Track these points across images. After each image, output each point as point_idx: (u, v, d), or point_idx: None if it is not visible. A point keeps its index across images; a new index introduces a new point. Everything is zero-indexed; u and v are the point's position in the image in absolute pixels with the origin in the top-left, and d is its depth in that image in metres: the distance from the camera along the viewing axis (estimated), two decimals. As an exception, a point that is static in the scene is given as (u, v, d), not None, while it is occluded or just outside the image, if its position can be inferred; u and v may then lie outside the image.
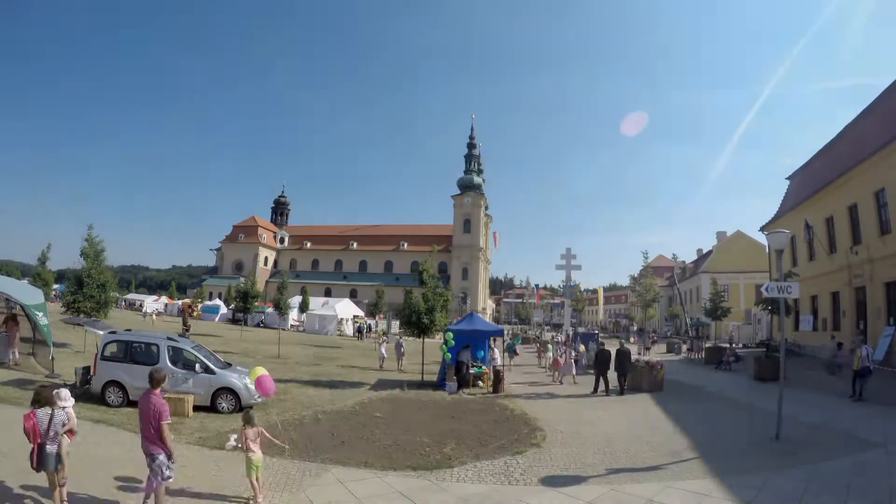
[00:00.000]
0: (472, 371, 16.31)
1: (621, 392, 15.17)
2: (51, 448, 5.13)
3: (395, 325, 34.82)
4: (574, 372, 18.00)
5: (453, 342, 15.79)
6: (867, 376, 13.30)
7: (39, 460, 5.10)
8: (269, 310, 41.29)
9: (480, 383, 16.38)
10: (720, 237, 57.57)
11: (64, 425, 5.29)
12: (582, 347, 21.74)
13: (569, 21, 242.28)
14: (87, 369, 11.17)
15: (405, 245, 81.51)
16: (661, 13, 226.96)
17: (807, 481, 6.91)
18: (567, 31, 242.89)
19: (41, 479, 6.10)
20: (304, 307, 43.24)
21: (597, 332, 32.92)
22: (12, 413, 9.13)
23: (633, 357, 17.43)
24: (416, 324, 16.64)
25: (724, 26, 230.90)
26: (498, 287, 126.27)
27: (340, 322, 44.58)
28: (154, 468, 5.10)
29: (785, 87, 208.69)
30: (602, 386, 15.38)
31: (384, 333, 33.67)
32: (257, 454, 6.01)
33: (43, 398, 5.36)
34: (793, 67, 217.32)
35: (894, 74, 22.83)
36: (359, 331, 43.43)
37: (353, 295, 72.51)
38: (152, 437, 5.12)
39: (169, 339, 11.28)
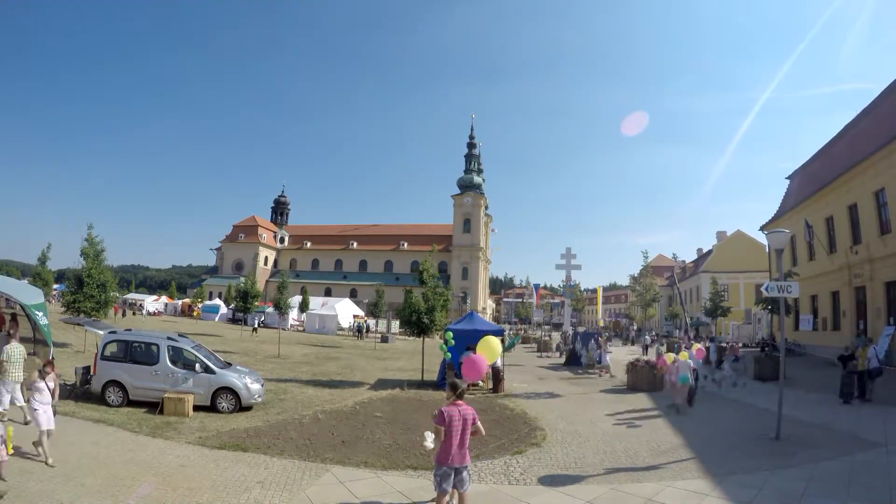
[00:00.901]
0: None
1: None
2: None
3: (395, 324, 34.82)
4: None
5: (453, 342, 15.78)
6: (877, 377, 13.23)
7: None
8: (269, 309, 41.30)
9: (480, 383, 16.36)
10: (720, 237, 57.56)
11: None
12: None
13: (572, 25, 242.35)
14: (87, 369, 11.17)
15: (405, 245, 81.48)
16: (664, 21, 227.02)
17: (807, 481, 6.90)
18: (570, 35, 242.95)
19: (41, 478, 6.13)
20: (304, 307, 43.24)
21: (596, 332, 32.75)
22: (12, 413, 9.15)
23: (634, 357, 17.41)
24: (417, 323, 16.62)
25: (725, 31, 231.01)
26: (498, 287, 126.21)
27: (339, 324, 44.59)
28: (464, 478, 5.23)
29: (783, 92, 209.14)
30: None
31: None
32: None
33: None
34: (791, 73, 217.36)
35: (891, 79, 22.81)
36: (358, 330, 43.36)
37: (353, 295, 72.50)
38: (465, 449, 5.25)
39: (169, 338, 11.27)
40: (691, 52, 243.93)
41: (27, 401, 6.69)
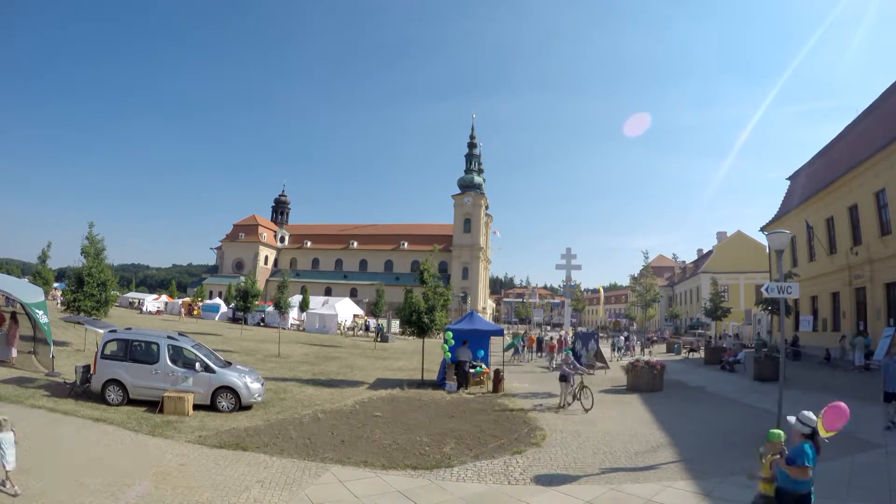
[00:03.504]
0: (471, 370, 16.29)
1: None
2: None
3: (395, 324, 34.80)
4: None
5: (453, 341, 15.78)
6: None
7: None
8: (270, 309, 41.30)
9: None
10: (720, 237, 57.54)
11: None
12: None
13: (579, 29, 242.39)
14: (87, 368, 11.17)
15: (405, 244, 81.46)
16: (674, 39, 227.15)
17: (806, 481, 6.90)
18: (575, 38, 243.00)
19: (41, 478, 6.13)
20: (304, 306, 43.23)
21: (596, 332, 32.68)
22: (12, 412, 9.15)
23: (634, 357, 17.36)
24: (417, 323, 16.62)
25: (725, 39, 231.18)
26: (498, 287, 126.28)
27: (341, 323, 44.57)
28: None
29: (780, 105, 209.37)
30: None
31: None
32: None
33: None
34: (785, 87, 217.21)
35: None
36: (365, 328, 43.25)
37: (353, 294, 72.52)
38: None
39: (169, 337, 11.27)
40: (696, 64, 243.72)
41: None
